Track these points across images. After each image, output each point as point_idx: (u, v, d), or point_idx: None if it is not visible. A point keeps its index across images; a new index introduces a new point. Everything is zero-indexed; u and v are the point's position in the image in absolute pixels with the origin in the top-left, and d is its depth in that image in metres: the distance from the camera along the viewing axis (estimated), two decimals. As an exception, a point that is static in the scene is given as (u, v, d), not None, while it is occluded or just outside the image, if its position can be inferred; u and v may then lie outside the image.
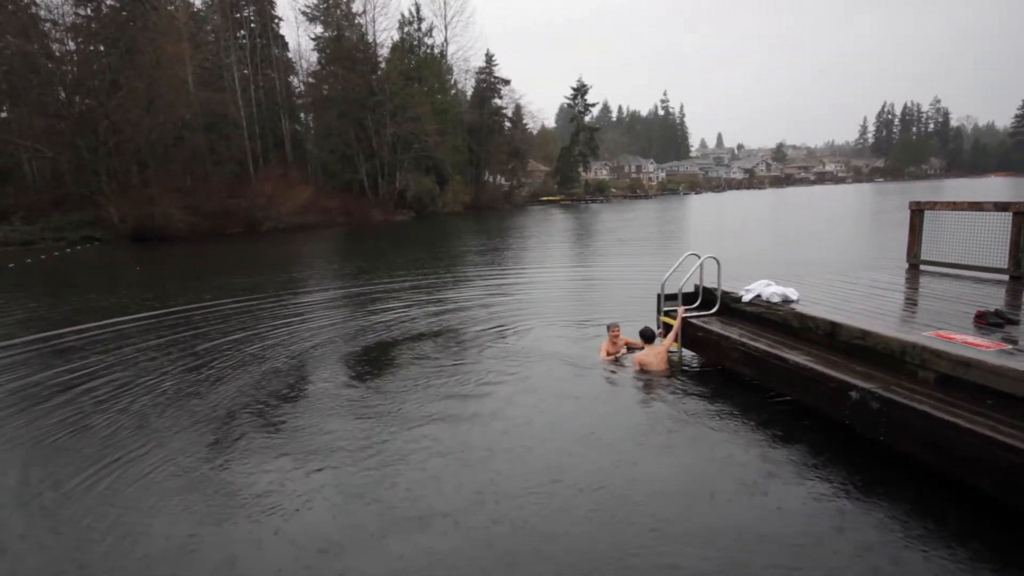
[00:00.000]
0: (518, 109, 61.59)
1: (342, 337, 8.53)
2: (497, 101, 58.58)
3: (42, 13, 32.85)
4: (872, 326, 4.85)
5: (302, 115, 49.43)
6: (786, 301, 5.89)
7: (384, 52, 49.17)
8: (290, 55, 48.49)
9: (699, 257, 6.77)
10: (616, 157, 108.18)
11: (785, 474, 4.13)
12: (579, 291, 12.49)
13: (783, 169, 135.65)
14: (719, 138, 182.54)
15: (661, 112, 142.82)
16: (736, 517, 3.64)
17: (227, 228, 33.06)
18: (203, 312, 10.67)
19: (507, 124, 60.28)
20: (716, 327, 6.16)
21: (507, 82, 58.75)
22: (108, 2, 35.14)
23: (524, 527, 3.61)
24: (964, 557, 3.21)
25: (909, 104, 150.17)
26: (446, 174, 49.00)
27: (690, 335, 6.52)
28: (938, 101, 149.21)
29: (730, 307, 6.58)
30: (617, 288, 12.00)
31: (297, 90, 49.26)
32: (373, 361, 7.41)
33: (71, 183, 32.02)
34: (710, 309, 6.71)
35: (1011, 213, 6.51)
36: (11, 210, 30.05)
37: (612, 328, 7.03)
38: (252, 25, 44.99)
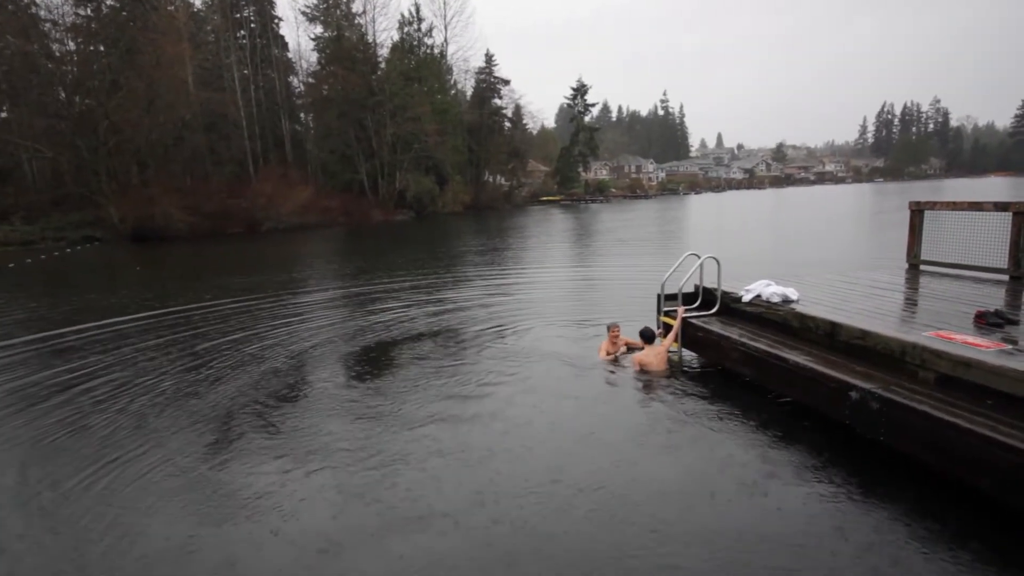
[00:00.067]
0: (518, 109, 61.68)
1: (342, 337, 8.53)
2: (497, 101, 58.66)
3: (42, 13, 32.91)
4: (872, 326, 4.85)
5: (302, 115, 49.45)
6: (786, 301, 5.89)
7: (384, 52, 49.27)
8: (290, 55, 48.59)
9: (699, 257, 6.77)
10: (616, 157, 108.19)
11: (785, 474, 4.13)
12: (579, 291, 12.48)
13: (783, 169, 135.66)
14: (719, 138, 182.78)
15: (661, 112, 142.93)
16: (736, 517, 3.64)
17: (227, 228, 33.06)
18: (203, 312, 10.67)
19: (507, 124, 60.31)
20: (716, 327, 6.16)
21: (507, 82, 58.88)
22: (108, 2, 35.17)
23: (524, 527, 3.61)
24: (964, 558, 3.21)
25: (909, 104, 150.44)
26: (446, 174, 49.01)
27: (690, 335, 6.52)
28: (938, 101, 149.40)
29: (730, 307, 6.58)
30: (617, 288, 12.00)
31: (297, 90, 49.29)
32: (373, 361, 7.41)
33: (71, 183, 32.04)
34: (710, 309, 6.71)
35: (1011, 213, 6.50)
36: (11, 210, 30.07)
37: (612, 328, 7.02)
38: (252, 25, 45.01)
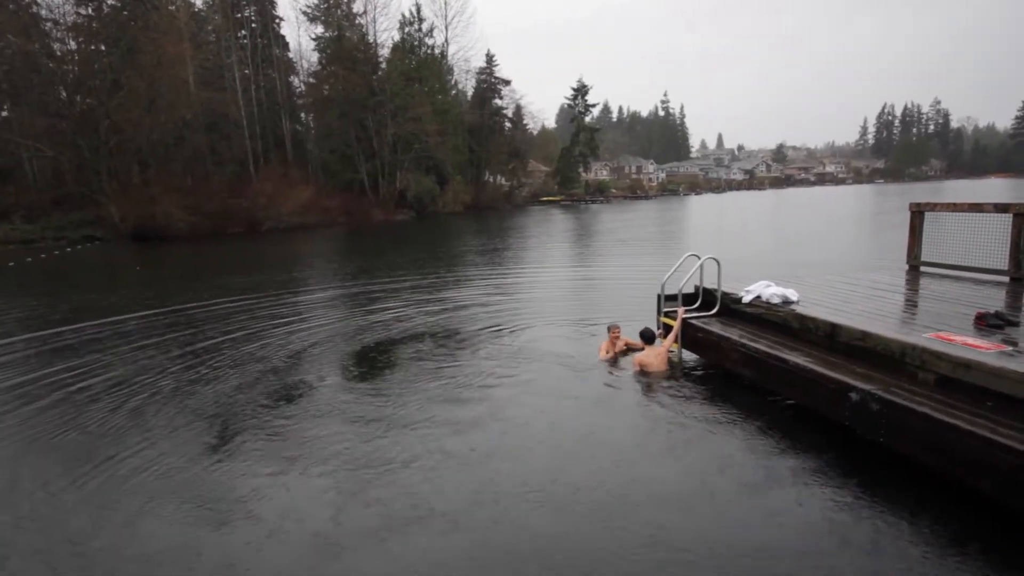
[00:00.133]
0: (518, 109, 61.63)
1: (342, 337, 8.53)
2: (498, 101, 58.62)
3: (43, 12, 32.99)
4: (872, 327, 4.85)
5: (303, 115, 49.46)
6: (786, 302, 5.89)
7: (385, 52, 49.25)
8: (291, 55, 48.60)
9: (699, 258, 6.77)
10: (616, 158, 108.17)
11: (785, 475, 4.13)
12: (579, 291, 12.49)
13: (783, 170, 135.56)
14: (719, 139, 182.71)
15: (661, 113, 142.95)
16: (736, 518, 3.64)
17: (228, 228, 33.07)
18: (203, 311, 10.68)
19: (507, 124, 60.28)
20: (716, 328, 6.16)
21: (507, 82, 58.85)
22: (109, 2, 35.21)
23: (524, 527, 3.61)
24: (965, 559, 3.21)
25: (909, 105, 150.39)
26: (446, 174, 49.02)
27: (690, 336, 6.52)
28: (938, 102, 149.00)
29: (730, 308, 6.58)
30: (617, 288, 12.00)
31: (298, 90, 49.31)
32: (373, 361, 7.41)
33: (72, 182, 32.07)
34: (710, 310, 6.71)
35: (1011, 214, 6.50)
36: (12, 209, 30.10)
37: (612, 329, 7.03)
38: (253, 25, 45.03)
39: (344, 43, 45.11)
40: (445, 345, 7.89)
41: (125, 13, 35.22)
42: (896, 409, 3.96)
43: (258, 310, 10.62)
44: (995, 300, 5.73)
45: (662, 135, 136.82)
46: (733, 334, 5.88)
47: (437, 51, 54.90)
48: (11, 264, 20.20)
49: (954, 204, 7.38)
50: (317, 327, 9.16)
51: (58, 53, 33.30)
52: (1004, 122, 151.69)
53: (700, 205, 58.79)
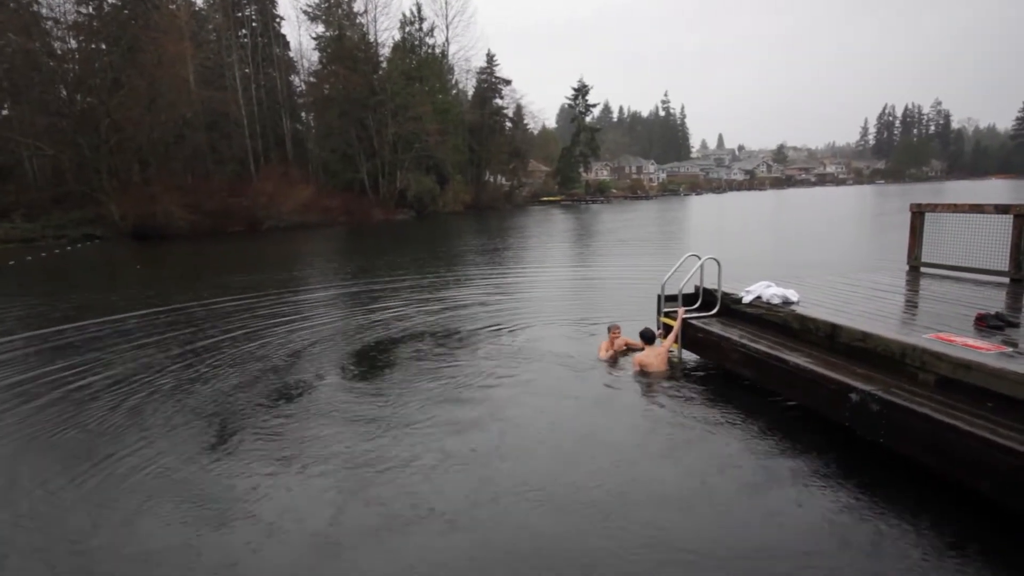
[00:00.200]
0: (519, 109, 61.62)
1: (342, 336, 8.53)
2: (498, 101, 58.61)
3: (44, 11, 32.96)
4: (873, 328, 4.84)
5: (303, 114, 49.47)
6: (786, 303, 5.89)
7: (385, 52, 49.24)
8: (291, 54, 48.59)
9: (699, 258, 6.77)
10: (617, 158, 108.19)
11: (785, 476, 4.13)
12: (579, 291, 12.48)
13: (784, 170, 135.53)
14: (720, 139, 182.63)
15: (662, 113, 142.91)
16: (735, 518, 3.64)
17: (228, 227, 33.07)
18: (203, 310, 10.68)
19: (508, 124, 60.27)
20: (716, 328, 6.16)
21: (508, 82, 58.84)
22: (110, 0, 35.19)
23: (524, 527, 3.61)
24: (964, 560, 3.21)
25: (910, 106, 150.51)
26: (447, 174, 49.01)
27: (690, 336, 6.51)
28: (939, 103, 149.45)
29: (730, 308, 6.57)
30: (617, 288, 12.00)
31: (298, 89, 49.29)
32: (373, 361, 7.40)
33: (72, 181, 32.07)
34: (710, 310, 6.71)
35: (1012, 215, 6.50)
36: (12, 207, 30.10)
37: (612, 329, 7.03)
38: (253, 24, 45.02)
39: (345, 42, 45.11)
40: (445, 345, 7.89)
41: (126, 12, 35.23)
42: (896, 410, 3.96)
43: (258, 309, 10.62)
44: (995, 301, 5.73)
45: (662, 135, 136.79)
46: (733, 334, 5.88)
47: (438, 51, 54.93)
48: (11, 263, 20.20)
49: (955, 205, 7.38)
50: (317, 326, 9.16)
51: (59, 52, 33.32)
52: (1005, 123, 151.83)
53: (700, 205, 58.79)
